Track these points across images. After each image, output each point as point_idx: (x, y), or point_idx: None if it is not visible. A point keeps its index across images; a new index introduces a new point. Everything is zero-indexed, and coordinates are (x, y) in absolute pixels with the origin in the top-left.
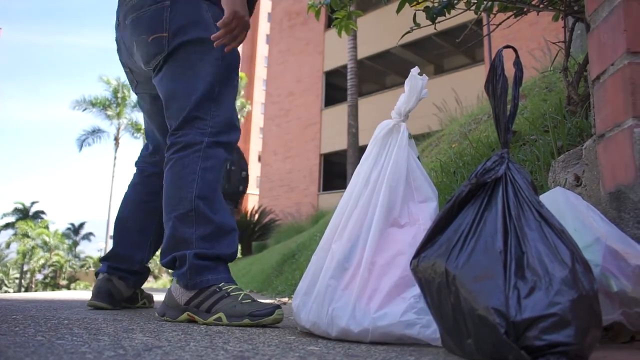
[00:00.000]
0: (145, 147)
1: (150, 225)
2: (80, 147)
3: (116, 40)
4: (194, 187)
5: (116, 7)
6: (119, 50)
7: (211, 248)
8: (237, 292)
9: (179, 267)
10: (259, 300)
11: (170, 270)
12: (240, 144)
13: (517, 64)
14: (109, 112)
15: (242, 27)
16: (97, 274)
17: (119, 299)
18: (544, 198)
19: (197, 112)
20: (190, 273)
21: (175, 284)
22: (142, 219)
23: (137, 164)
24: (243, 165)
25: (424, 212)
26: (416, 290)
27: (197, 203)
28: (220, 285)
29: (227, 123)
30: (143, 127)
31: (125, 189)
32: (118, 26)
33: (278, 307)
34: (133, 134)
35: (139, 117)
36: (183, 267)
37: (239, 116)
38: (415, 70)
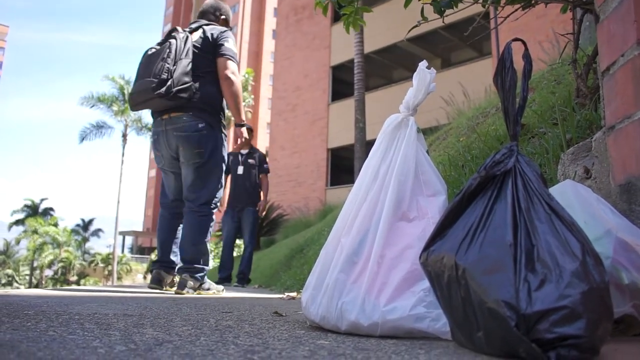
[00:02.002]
0: (165, 196)
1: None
2: (82, 139)
3: (156, 133)
4: (204, 232)
5: (153, 113)
6: (156, 141)
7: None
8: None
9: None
10: None
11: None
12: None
13: (526, 56)
14: (115, 108)
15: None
16: (151, 271)
17: (165, 283)
18: (553, 191)
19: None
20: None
21: None
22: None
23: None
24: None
25: (433, 206)
26: (425, 283)
27: (203, 243)
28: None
29: (218, 191)
30: (154, 157)
31: (134, 185)
32: (160, 130)
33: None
34: (139, 131)
35: (143, 114)
36: None
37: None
38: (423, 64)
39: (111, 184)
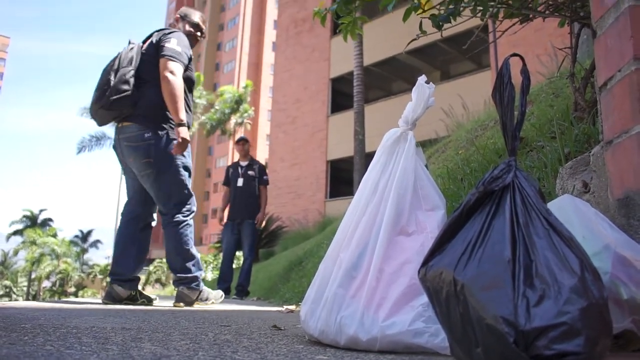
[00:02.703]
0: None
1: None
2: (79, 151)
3: (114, 141)
4: (186, 242)
5: (114, 128)
6: (115, 148)
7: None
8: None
9: None
10: None
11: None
12: (249, 150)
13: (524, 72)
14: None
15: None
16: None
17: (119, 299)
18: (552, 205)
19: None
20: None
21: None
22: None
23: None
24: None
25: (432, 220)
26: (424, 298)
27: (186, 251)
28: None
29: (189, 201)
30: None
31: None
32: (115, 138)
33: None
34: None
35: None
36: None
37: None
38: (422, 79)
39: (110, 195)
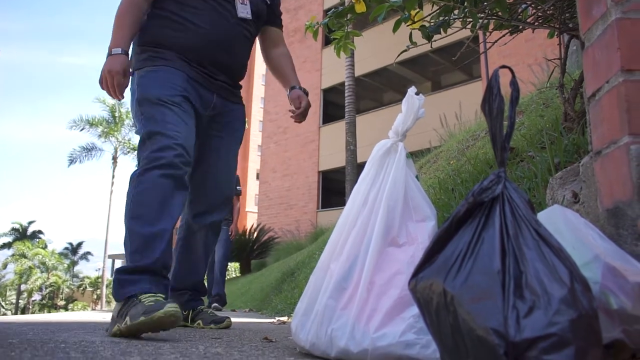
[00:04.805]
0: None
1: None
2: (70, 163)
3: None
4: (126, 212)
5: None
6: None
7: (140, 260)
8: (147, 299)
9: None
10: (167, 301)
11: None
12: (238, 162)
13: (514, 83)
14: (106, 130)
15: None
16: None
17: None
18: (542, 216)
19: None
20: (114, 287)
21: None
22: None
23: None
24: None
25: (422, 232)
26: (415, 310)
27: (128, 224)
28: (137, 295)
29: (147, 146)
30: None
31: (123, 208)
32: None
33: (174, 303)
34: (126, 153)
35: (133, 137)
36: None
37: None
38: (412, 90)
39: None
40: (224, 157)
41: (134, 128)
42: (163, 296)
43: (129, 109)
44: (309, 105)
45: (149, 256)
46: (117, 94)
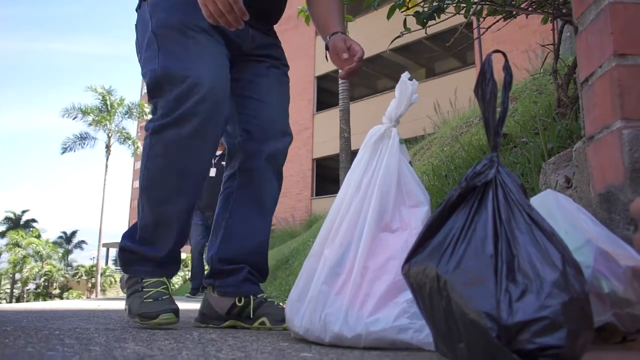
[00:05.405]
0: None
1: None
2: (64, 151)
3: None
4: (140, 179)
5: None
6: None
7: (147, 250)
8: (148, 289)
9: None
10: (164, 299)
11: None
12: None
13: (507, 68)
14: (97, 119)
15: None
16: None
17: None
18: (534, 200)
19: (149, 101)
20: (120, 257)
21: None
22: None
23: None
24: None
25: (416, 217)
26: (409, 294)
27: (140, 194)
28: (141, 277)
29: (164, 91)
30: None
31: (118, 196)
32: None
33: (173, 310)
34: (122, 142)
35: (126, 124)
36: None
37: None
38: (405, 76)
39: (95, 195)
40: (276, 88)
41: (126, 115)
42: (166, 286)
43: (121, 98)
44: (363, 54)
45: (156, 246)
46: (241, 11)
